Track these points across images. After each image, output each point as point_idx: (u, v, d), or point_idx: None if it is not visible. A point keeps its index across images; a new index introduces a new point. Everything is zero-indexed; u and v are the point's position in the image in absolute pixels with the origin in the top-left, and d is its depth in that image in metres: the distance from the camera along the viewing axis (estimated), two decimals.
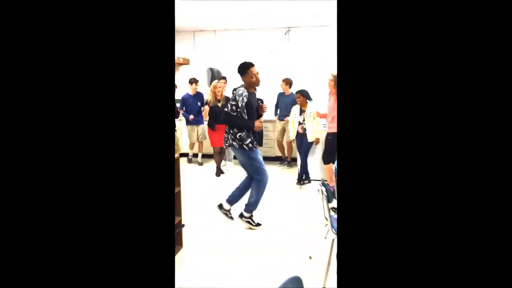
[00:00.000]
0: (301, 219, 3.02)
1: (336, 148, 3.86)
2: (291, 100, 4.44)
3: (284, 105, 4.64)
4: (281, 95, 4.89)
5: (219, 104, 4.17)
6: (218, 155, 4.53)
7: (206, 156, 5.36)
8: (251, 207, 2.79)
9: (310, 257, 2.30)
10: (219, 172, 4.54)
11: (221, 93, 4.21)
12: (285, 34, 5.54)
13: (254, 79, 2.66)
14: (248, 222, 2.81)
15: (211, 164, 5.08)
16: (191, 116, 4.82)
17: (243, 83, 2.74)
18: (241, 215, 2.82)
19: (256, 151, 2.73)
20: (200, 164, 5.19)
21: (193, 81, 4.86)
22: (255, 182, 2.76)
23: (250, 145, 2.64)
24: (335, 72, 3.39)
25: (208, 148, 5.31)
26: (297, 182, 4.12)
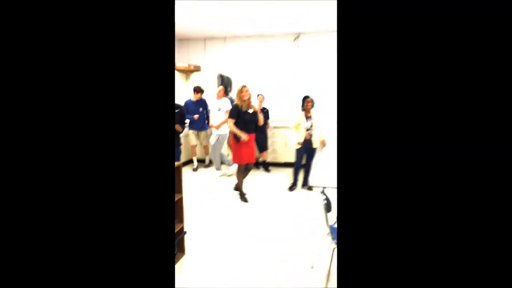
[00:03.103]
0: (306, 226, 2.97)
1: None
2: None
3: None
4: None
5: (250, 111, 3.53)
6: (243, 173, 3.69)
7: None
8: None
9: (312, 267, 2.27)
10: (243, 196, 3.74)
11: (249, 98, 3.54)
12: (294, 40, 5.54)
13: None
14: None
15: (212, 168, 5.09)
16: (196, 116, 4.86)
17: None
18: None
19: None
20: (207, 166, 5.33)
21: (198, 90, 4.89)
22: None
23: None
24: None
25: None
26: (302, 187, 4.15)
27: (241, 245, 2.62)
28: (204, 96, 5.02)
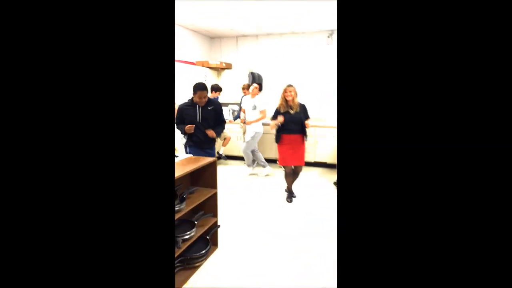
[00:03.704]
0: (328, 224, 2.93)
1: None
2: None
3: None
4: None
5: (292, 111, 3.47)
6: (291, 176, 3.69)
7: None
8: None
9: None
10: (291, 196, 3.76)
11: (293, 99, 3.47)
12: (328, 37, 5.44)
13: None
14: None
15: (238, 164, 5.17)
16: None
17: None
18: None
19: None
20: (225, 158, 5.52)
21: (216, 88, 4.92)
22: None
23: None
24: None
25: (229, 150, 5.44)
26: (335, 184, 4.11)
27: (275, 239, 2.65)
28: (234, 93, 5.08)
